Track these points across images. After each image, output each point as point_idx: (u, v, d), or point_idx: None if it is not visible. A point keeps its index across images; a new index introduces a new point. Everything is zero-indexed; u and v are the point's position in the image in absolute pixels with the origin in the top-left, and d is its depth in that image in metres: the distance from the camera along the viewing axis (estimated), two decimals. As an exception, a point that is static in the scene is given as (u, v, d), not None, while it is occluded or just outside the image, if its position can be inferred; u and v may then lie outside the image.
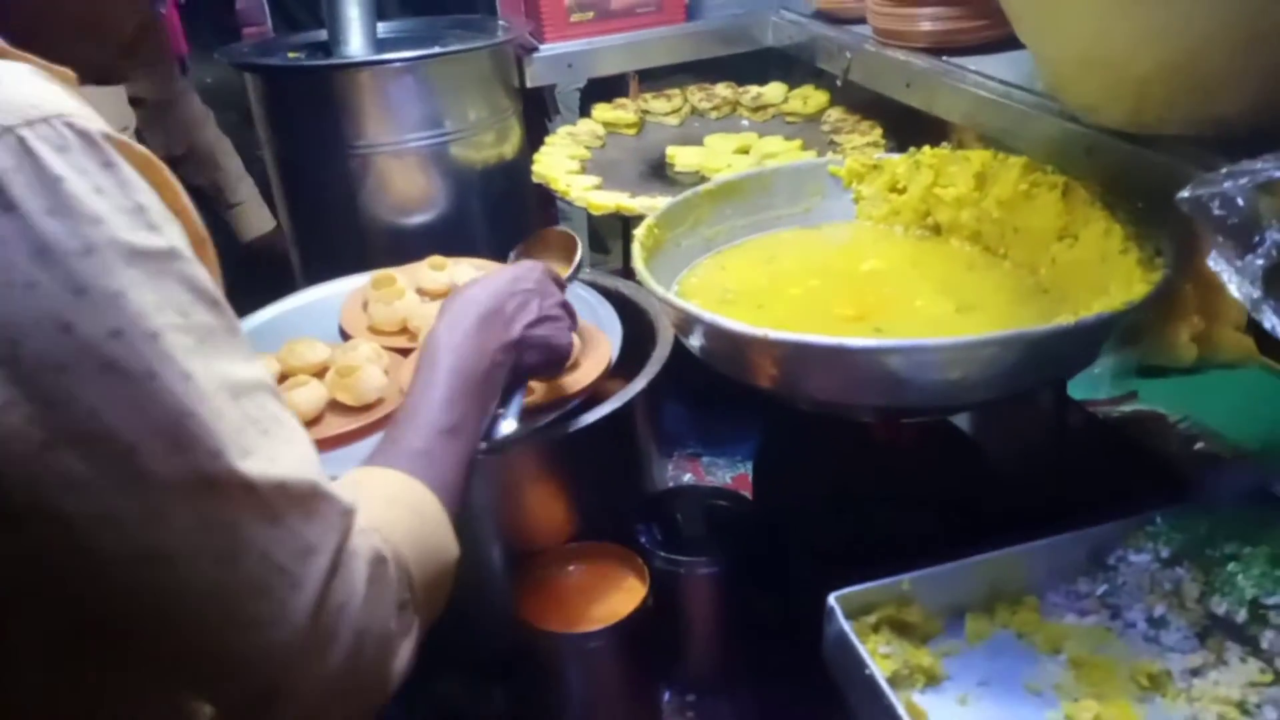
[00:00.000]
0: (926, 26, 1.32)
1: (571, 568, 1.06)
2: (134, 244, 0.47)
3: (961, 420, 1.19)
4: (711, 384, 1.45)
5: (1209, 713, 0.73)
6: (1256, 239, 0.73)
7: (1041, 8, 0.97)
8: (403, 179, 1.50)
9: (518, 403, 0.89)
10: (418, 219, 1.53)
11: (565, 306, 0.91)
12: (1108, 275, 0.89)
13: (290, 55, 1.56)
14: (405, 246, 1.36)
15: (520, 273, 0.89)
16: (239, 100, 1.66)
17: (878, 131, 1.50)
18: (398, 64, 1.41)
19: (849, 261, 1.12)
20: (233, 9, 2.42)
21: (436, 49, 1.43)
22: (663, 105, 1.71)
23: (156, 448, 0.47)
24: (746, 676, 1.09)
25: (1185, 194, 0.74)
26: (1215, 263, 0.72)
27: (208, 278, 0.52)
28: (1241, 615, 0.77)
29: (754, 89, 1.72)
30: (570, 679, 1.00)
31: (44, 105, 0.47)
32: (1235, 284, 0.72)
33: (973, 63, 1.26)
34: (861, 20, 1.49)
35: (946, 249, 1.12)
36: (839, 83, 1.53)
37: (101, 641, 0.54)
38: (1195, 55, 0.85)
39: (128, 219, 0.48)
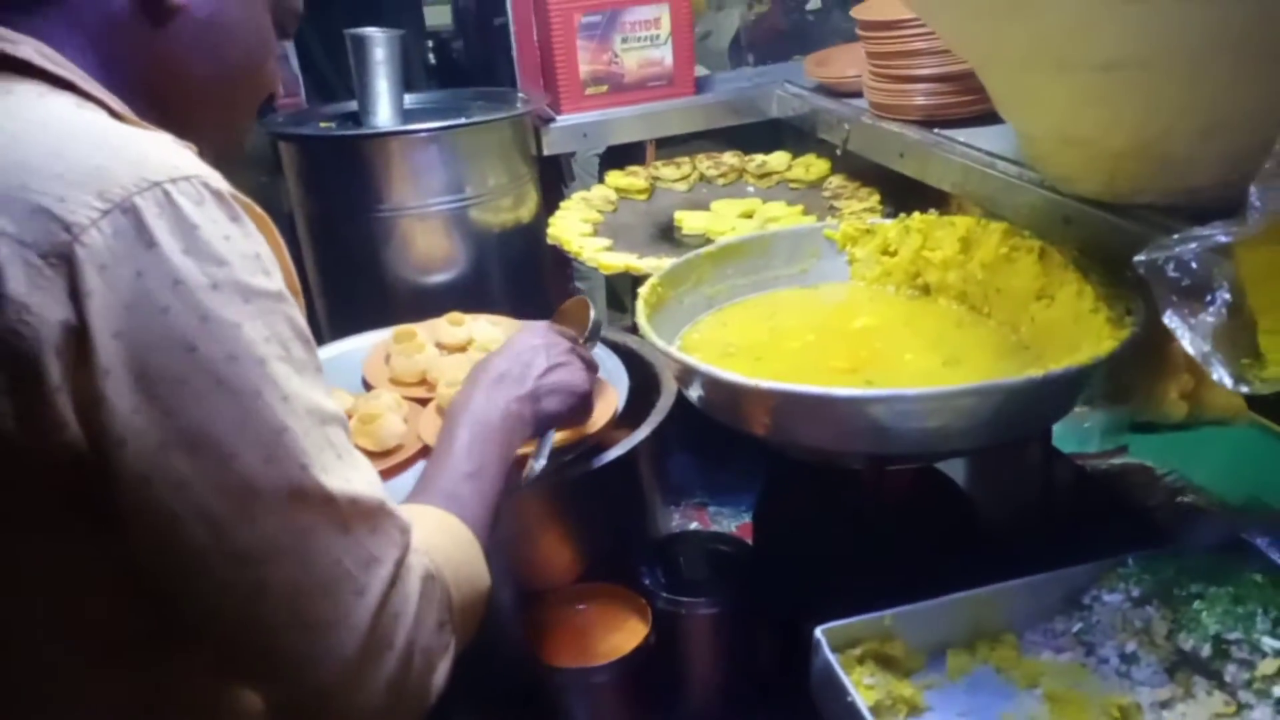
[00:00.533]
0: (919, 101, 1.41)
1: (579, 607, 1.11)
2: (251, 285, 0.56)
3: (956, 472, 1.24)
4: (717, 437, 1.51)
5: (1176, 743, 0.78)
6: (1208, 298, 0.79)
7: (1021, 92, 1.05)
8: (425, 240, 1.58)
9: (547, 445, 0.98)
10: (439, 278, 1.62)
11: (575, 353, 1.00)
12: (1080, 333, 0.95)
13: (322, 125, 1.66)
14: (426, 303, 1.44)
15: (526, 335, 0.99)
16: (268, 162, 1.76)
17: (875, 198, 1.58)
18: (423, 134, 1.51)
19: (843, 319, 1.19)
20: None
21: (459, 120, 1.52)
22: (673, 172, 1.80)
23: (255, 456, 0.55)
24: (746, 714, 1.13)
25: (1142, 257, 0.81)
26: (1170, 320, 0.79)
27: (303, 320, 0.61)
28: (1206, 650, 0.81)
29: (759, 157, 1.81)
30: (577, 713, 1.05)
31: (184, 167, 0.56)
32: (1188, 340, 0.78)
33: (962, 135, 1.34)
34: (859, 94, 1.58)
35: (935, 308, 1.19)
36: (839, 152, 1.62)
37: (184, 637, 0.61)
38: (1161, 138, 0.93)
39: (248, 264, 0.56)
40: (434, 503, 0.75)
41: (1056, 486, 1.16)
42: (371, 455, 1.11)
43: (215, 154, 0.63)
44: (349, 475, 0.59)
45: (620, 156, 1.85)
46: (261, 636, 0.57)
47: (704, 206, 1.68)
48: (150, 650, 0.61)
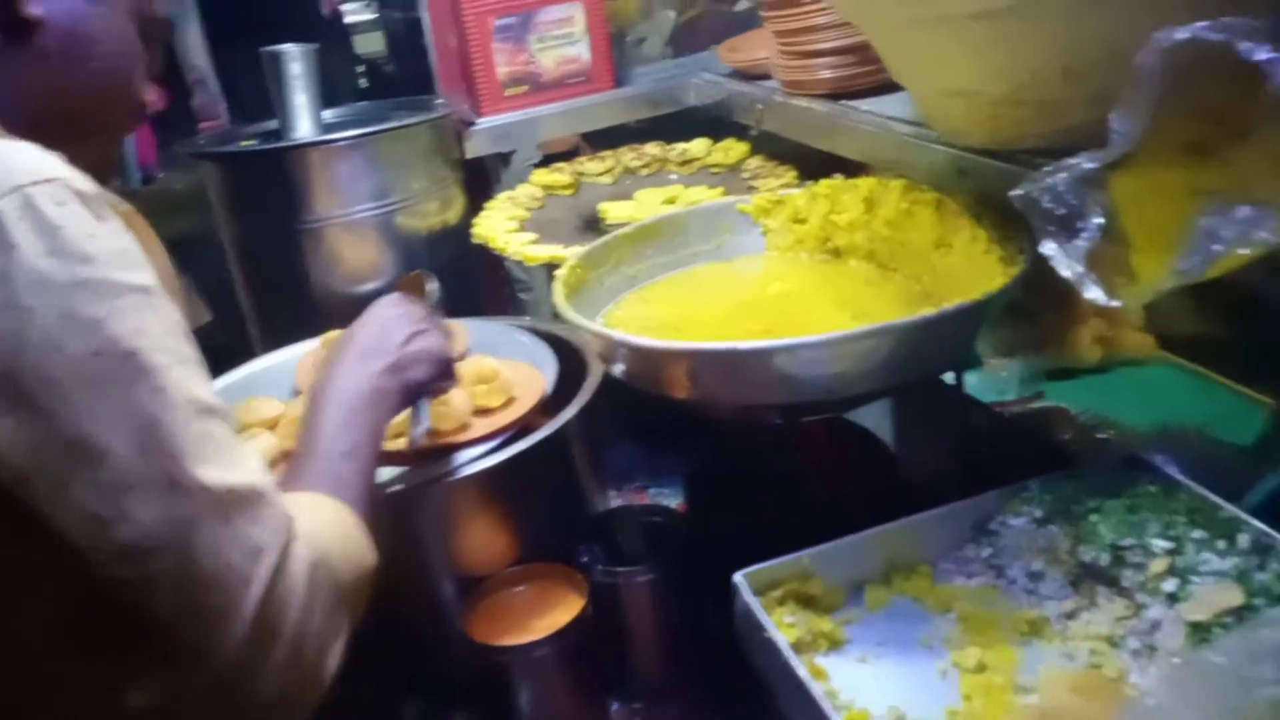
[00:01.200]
0: (825, 75, 1.45)
1: (518, 589, 1.13)
2: (118, 280, 0.57)
3: (877, 428, 1.28)
4: (656, 425, 1.54)
5: (1081, 648, 0.81)
6: (1081, 225, 0.83)
7: (907, 51, 1.09)
8: (352, 249, 1.60)
9: (424, 412, 1.00)
10: (369, 285, 1.63)
11: (432, 319, 1.00)
12: (976, 275, 0.99)
13: (244, 144, 1.67)
14: (359, 313, 1.45)
15: (380, 306, 0.99)
16: (205, 203, 1.77)
17: (792, 174, 1.62)
18: (342, 143, 1.53)
19: (759, 287, 1.23)
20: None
21: (376, 127, 1.54)
22: (597, 166, 1.83)
23: (128, 451, 0.55)
24: (691, 681, 1.16)
25: (1018, 191, 0.85)
26: (1046, 247, 0.83)
27: (179, 314, 0.61)
28: (1105, 560, 0.85)
29: (680, 145, 1.84)
30: (521, 691, 1.06)
31: (46, 170, 0.57)
32: (1064, 264, 0.82)
33: (866, 104, 1.38)
34: (770, 76, 1.62)
35: (845, 269, 1.23)
36: (754, 133, 1.66)
37: (90, 633, 0.61)
38: (1032, 83, 0.97)
39: (114, 260, 0.57)
40: (313, 487, 0.74)
41: (973, 433, 1.20)
42: None
43: (89, 168, 0.63)
44: (229, 466, 0.59)
45: (559, 159, 1.88)
46: (156, 633, 0.57)
47: (628, 197, 1.71)
48: (77, 648, 0.62)
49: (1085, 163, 0.82)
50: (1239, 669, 0.47)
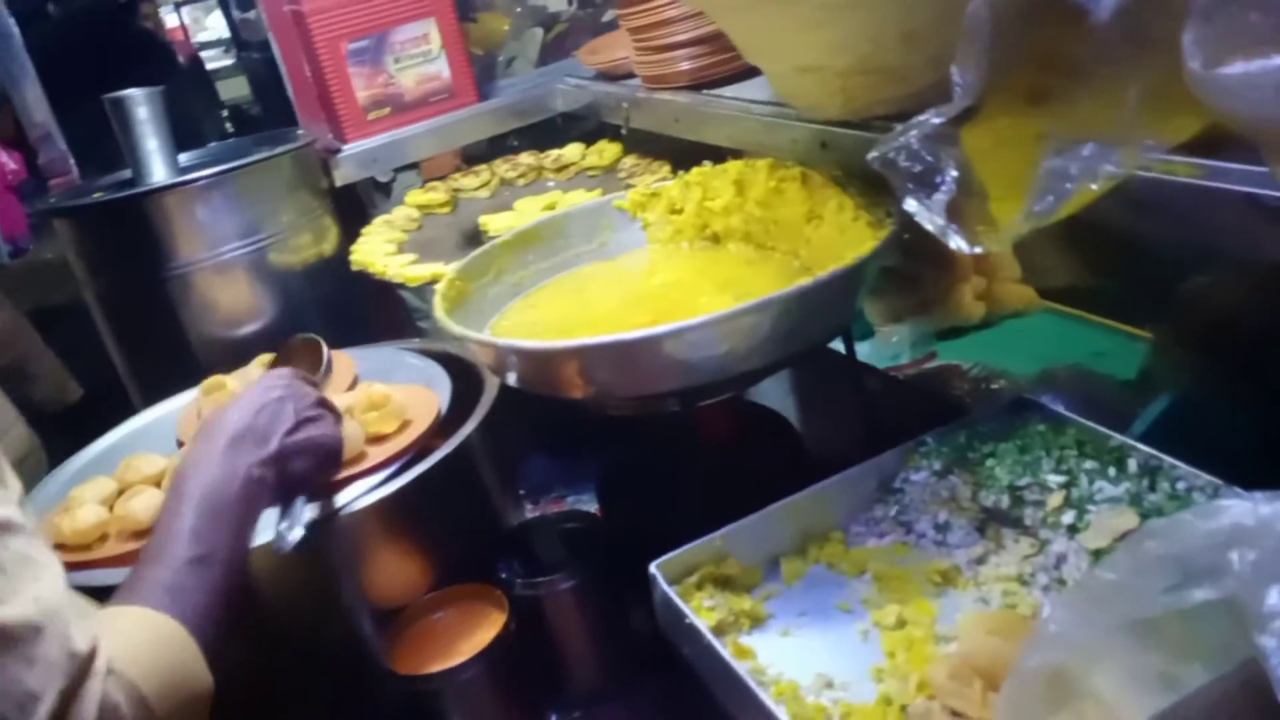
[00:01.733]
0: (684, 66, 1.46)
1: (438, 615, 1.10)
2: None
3: (777, 406, 1.29)
4: (570, 434, 1.53)
5: (994, 591, 0.83)
6: (939, 179, 0.85)
7: (755, 33, 1.11)
8: (225, 292, 1.54)
9: (299, 511, 0.89)
10: (250, 327, 1.58)
11: (324, 404, 0.91)
12: (847, 243, 1.01)
13: (96, 196, 1.60)
14: (243, 356, 1.40)
15: (268, 383, 0.89)
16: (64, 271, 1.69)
17: (666, 168, 1.63)
18: (200, 183, 1.47)
19: (643, 281, 1.22)
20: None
21: (232, 164, 1.49)
22: (472, 181, 1.80)
23: None
24: (627, 681, 1.14)
25: (874, 153, 0.87)
26: (909, 205, 0.84)
27: None
28: (1005, 502, 0.88)
29: (554, 152, 1.83)
30: (454, 715, 1.04)
31: None
32: (926, 219, 0.83)
33: (729, 91, 1.40)
34: (633, 74, 1.62)
35: (725, 253, 1.23)
36: (624, 131, 1.66)
37: None
38: (873, 53, 1.00)
39: None
40: (147, 600, 0.68)
41: (870, 397, 1.21)
42: None
43: None
44: (5, 596, 0.53)
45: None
46: None
47: (508, 208, 1.70)
48: None
49: (934, 118, 0.84)
50: (1129, 582, 0.48)
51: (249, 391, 0.87)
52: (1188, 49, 0.62)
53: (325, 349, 1.05)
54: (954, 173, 0.85)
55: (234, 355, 1.52)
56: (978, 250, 0.80)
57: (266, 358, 1.29)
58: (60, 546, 0.99)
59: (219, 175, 1.49)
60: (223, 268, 1.53)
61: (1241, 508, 0.45)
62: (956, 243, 0.81)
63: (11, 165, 1.92)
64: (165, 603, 0.68)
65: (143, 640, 0.64)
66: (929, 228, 0.83)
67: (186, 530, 0.73)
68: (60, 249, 2.10)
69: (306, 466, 0.87)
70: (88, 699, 0.56)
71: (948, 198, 0.84)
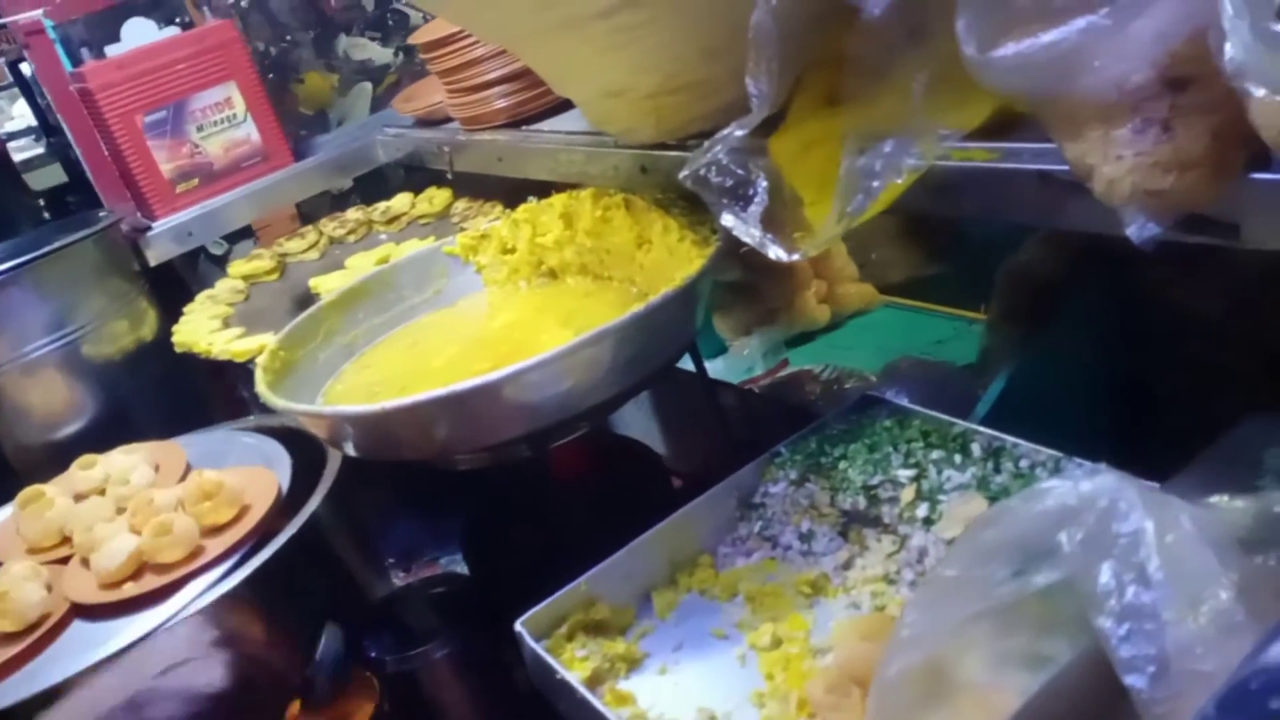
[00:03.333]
0: (500, 104, 1.44)
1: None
2: None
3: (631, 433, 1.28)
4: (437, 492, 1.47)
5: (864, 595, 0.82)
6: (751, 191, 0.85)
7: (554, 62, 1.09)
8: (37, 393, 1.43)
9: None
10: (69, 428, 1.46)
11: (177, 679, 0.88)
12: (677, 264, 1.00)
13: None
14: (64, 460, 1.29)
15: None
16: None
17: (498, 208, 1.60)
18: (-7, 279, 1.36)
19: (483, 325, 1.19)
20: None
21: (25, 257, 1.38)
22: (299, 244, 1.73)
23: None
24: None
25: (685, 172, 0.86)
26: (725, 219, 0.84)
27: None
28: (863, 502, 0.87)
29: (382, 204, 1.78)
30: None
31: None
32: (743, 232, 0.83)
33: (548, 125, 1.38)
34: (451, 118, 1.59)
35: (564, 288, 1.21)
36: (449, 176, 1.62)
37: None
38: (677, 71, 0.99)
39: None
40: None
41: (726, 413, 1.21)
42: (14, 637, 0.98)
43: None
44: None
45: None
46: None
47: (340, 267, 1.63)
48: None
49: (736, 130, 0.84)
50: (972, 575, 0.48)
51: None
52: (962, 35, 0.63)
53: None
54: (764, 183, 0.85)
55: (54, 461, 1.40)
56: (795, 257, 0.80)
57: (89, 458, 1.19)
58: None
59: (13, 270, 1.37)
60: (31, 367, 1.41)
61: (1064, 488, 0.44)
62: (775, 252, 0.80)
63: None
64: None
65: None
66: (747, 240, 0.82)
67: None
68: None
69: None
70: None
71: (761, 209, 0.84)
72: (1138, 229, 0.57)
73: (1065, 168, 0.65)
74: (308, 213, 1.94)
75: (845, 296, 1.63)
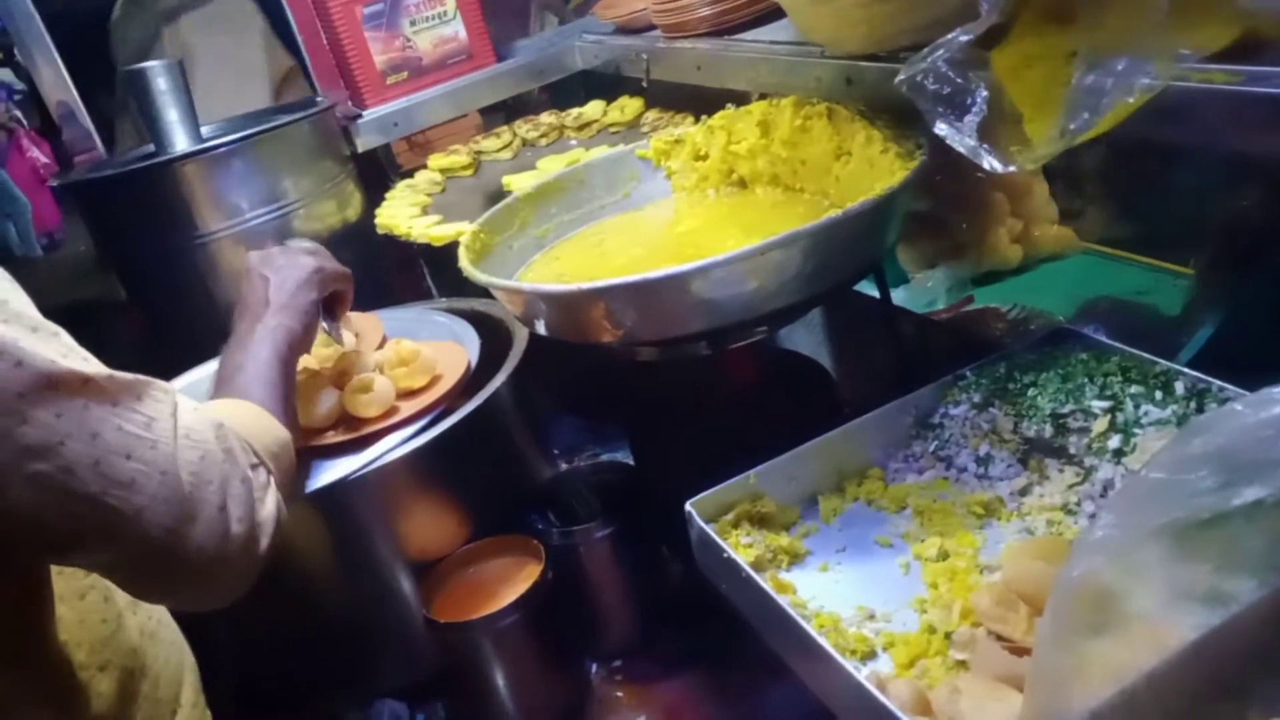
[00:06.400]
0: (704, 13, 1.43)
1: (475, 567, 1.10)
2: None
3: (811, 352, 1.27)
4: (602, 395, 1.52)
5: (1038, 522, 0.81)
6: (969, 101, 0.83)
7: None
8: (252, 259, 1.54)
9: (336, 330, 1.16)
10: (278, 295, 1.57)
11: (285, 252, 1.11)
12: (876, 176, 0.98)
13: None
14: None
15: (247, 274, 1.09)
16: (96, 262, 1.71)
17: (689, 120, 1.60)
18: (220, 150, 1.46)
19: (668, 229, 1.20)
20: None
21: (251, 131, 1.48)
22: (494, 143, 1.79)
23: (4, 368, 0.60)
24: (663, 630, 1.14)
25: (902, 77, 0.84)
26: (939, 128, 0.82)
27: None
28: (1049, 431, 0.85)
29: (575, 110, 1.81)
30: (491, 665, 1.04)
31: None
32: (957, 140, 0.81)
33: (750, 35, 1.37)
34: (653, 26, 1.60)
35: (753, 198, 1.21)
36: (644, 84, 1.64)
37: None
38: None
39: None
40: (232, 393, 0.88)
41: (905, 340, 1.19)
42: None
43: None
44: (91, 359, 0.67)
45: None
46: (90, 513, 0.64)
47: (531, 168, 1.68)
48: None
49: (961, 35, 0.82)
50: (1174, 480, 0.46)
51: (247, 296, 1.05)
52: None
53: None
54: (984, 93, 0.82)
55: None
56: (1011, 170, 0.77)
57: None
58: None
59: (239, 142, 1.48)
60: (247, 236, 1.52)
61: (1298, 395, 0.42)
62: (989, 163, 0.78)
63: (43, 159, 1.93)
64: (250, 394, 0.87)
65: (217, 406, 0.84)
66: (960, 149, 0.80)
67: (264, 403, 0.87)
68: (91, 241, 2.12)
69: (307, 298, 1.04)
70: (201, 420, 0.73)
71: (979, 119, 0.82)
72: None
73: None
74: (488, 122, 1.98)
75: (1041, 238, 1.55)
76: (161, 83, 1.53)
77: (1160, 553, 0.52)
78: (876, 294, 1.18)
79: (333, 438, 1.06)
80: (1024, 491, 0.84)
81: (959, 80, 0.83)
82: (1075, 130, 0.79)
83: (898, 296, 1.48)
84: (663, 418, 1.21)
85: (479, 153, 1.78)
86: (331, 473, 1.01)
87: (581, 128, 1.79)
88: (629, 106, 1.77)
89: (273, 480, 0.78)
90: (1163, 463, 0.47)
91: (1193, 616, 0.56)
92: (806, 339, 1.39)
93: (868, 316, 1.24)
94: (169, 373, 1.62)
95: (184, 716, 0.84)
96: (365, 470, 1.01)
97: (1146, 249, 1.48)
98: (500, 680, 1.04)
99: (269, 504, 0.76)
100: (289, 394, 0.93)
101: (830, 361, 1.27)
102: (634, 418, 1.28)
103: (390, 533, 1.07)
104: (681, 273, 0.86)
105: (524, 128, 1.82)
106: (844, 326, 1.32)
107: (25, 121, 2.03)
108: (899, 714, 0.61)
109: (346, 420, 1.08)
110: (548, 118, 1.83)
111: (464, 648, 1.02)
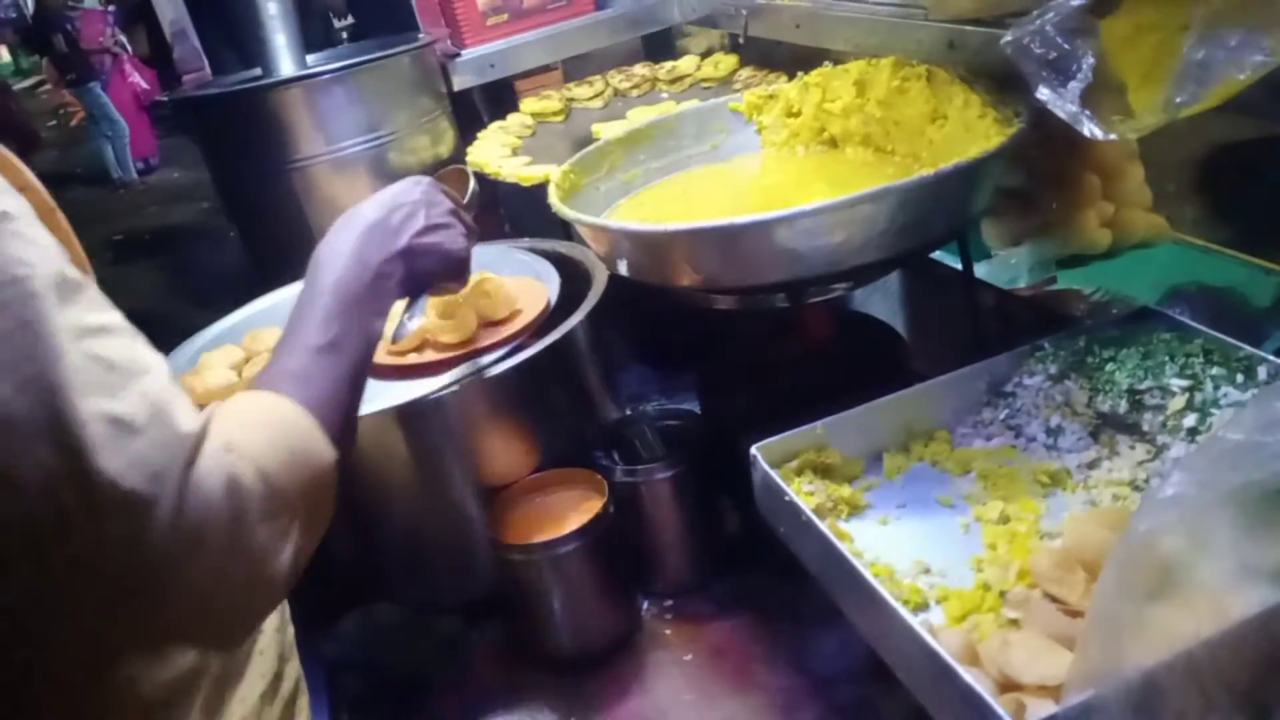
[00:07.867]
0: (807, -29, 1.42)
1: (539, 495, 1.14)
2: None
3: (884, 317, 1.27)
4: (669, 346, 1.54)
5: (1104, 495, 0.81)
6: (1074, 67, 0.82)
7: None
8: (343, 186, 1.59)
9: (420, 308, 0.96)
10: (366, 223, 1.62)
11: (456, 215, 0.91)
12: (972, 140, 0.98)
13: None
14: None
15: (405, 186, 0.88)
16: (206, 192, 1.77)
17: (783, 79, 1.60)
18: (325, 76, 1.51)
19: (754, 183, 1.21)
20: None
21: (355, 60, 1.52)
22: (586, 91, 1.81)
23: (6, 388, 0.51)
24: (717, 573, 1.16)
25: (1008, 38, 0.84)
26: (1041, 93, 0.81)
27: (49, 239, 0.56)
28: (1123, 407, 0.85)
29: (669, 63, 1.82)
30: (549, 589, 1.07)
31: None
32: (1059, 105, 0.81)
33: (849, -4, 1.36)
34: (754, -19, 1.59)
35: (842, 157, 1.21)
36: (741, 40, 1.63)
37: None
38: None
39: None
40: (274, 385, 0.69)
41: (983, 312, 1.19)
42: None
43: None
44: (117, 389, 0.55)
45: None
46: (80, 562, 0.54)
47: (621, 118, 1.69)
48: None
49: (1072, 1, 0.81)
50: (1254, 440, 0.46)
51: (387, 190, 0.87)
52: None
53: (472, 179, 1.06)
54: (1090, 60, 0.82)
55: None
56: (1112, 138, 0.77)
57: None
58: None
59: (342, 71, 1.52)
60: (342, 163, 1.57)
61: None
62: (1090, 129, 0.78)
63: (144, 85, 2.00)
64: (292, 388, 0.69)
65: (260, 420, 0.66)
66: (1061, 115, 0.80)
67: (318, 319, 0.74)
68: (185, 172, 2.19)
69: (432, 266, 0.86)
70: (209, 473, 0.58)
71: (1083, 86, 0.81)
72: None
73: None
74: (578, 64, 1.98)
75: (1132, 224, 1.52)
76: (271, 7, 1.58)
77: (1230, 520, 0.53)
78: (958, 264, 1.17)
79: (414, 359, 1.10)
80: (1092, 465, 0.84)
81: (1066, 46, 0.82)
82: (1181, 103, 0.78)
83: (979, 270, 1.46)
84: (733, 371, 1.22)
85: (570, 99, 1.80)
86: (411, 392, 1.05)
87: (674, 81, 1.79)
88: (723, 62, 1.77)
89: (295, 530, 0.64)
90: (1243, 423, 0.47)
91: (1258, 592, 0.57)
92: (882, 305, 1.38)
93: (947, 286, 1.23)
94: (257, 290, 1.69)
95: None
96: (443, 392, 1.05)
97: (1241, 243, 1.44)
98: (556, 605, 1.08)
99: (282, 561, 0.63)
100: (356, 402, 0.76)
101: (905, 329, 1.27)
102: (704, 369, 1.29)
103: (462, 454, 1.11)
104: (768, 220, 0.87)
105: (616, 78, 1.83)
106: (921, 294, 1.31)
107: (130, 48, 2.10)
108: (949, 659, 0.62)
109: (429, 344, 1.12)
110: (640, 69, 1.84)
111: (524, 570, 1.06)
